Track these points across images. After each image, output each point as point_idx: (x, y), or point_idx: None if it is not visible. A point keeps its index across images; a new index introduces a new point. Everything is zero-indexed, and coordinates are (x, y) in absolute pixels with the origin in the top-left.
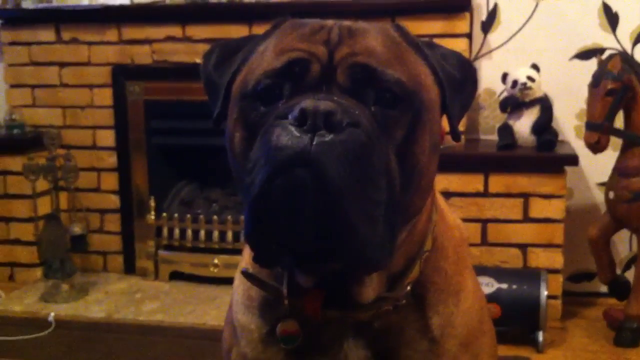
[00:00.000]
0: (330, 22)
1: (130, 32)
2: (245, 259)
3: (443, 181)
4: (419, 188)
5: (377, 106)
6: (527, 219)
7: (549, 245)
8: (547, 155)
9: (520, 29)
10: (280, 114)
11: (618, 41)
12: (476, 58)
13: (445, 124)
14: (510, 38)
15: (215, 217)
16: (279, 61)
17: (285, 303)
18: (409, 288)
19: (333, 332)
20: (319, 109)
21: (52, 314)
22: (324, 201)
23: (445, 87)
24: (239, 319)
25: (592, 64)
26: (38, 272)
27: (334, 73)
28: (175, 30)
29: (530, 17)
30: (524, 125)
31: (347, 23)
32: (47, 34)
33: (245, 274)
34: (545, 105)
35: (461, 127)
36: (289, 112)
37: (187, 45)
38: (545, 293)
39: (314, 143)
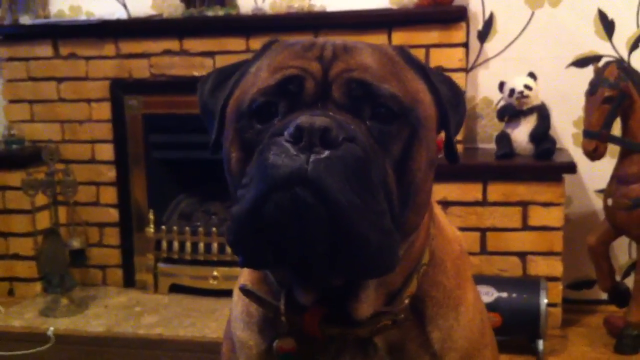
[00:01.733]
0: (321, 39)
1: (127, 47)
2: (244, 275)
3: (442, 191)
4: (415, 204)
5: (373, 121)
6: (526, 227)
7: (548, 253)
8: (546, 164)
9: (516, 38)
10: (276, 131)
11: (614, 48)
12: (473, 67)
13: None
14: (507, 47)
15: (214, 229)
16: (273, 79)
17: (283, 320)
18: (407, 302)
19: (333, 349)
20: (314, 125)
21: (52, 328)
22: (323, 218)
23: (444, 105)
24: (238, 334)
25: (588, 72)
26: (37, 287)
27: (329, 89)
28: (172, 44)
29: (526, 26)
30: (521, 133)
31: (340, 40)
32: (45, 50)
33: (243, 290)
34: (542, 113)
35: (459, 136)
36: (285, 128)
37: (185, 59)
38: (545, 301)
39: (310, 161)
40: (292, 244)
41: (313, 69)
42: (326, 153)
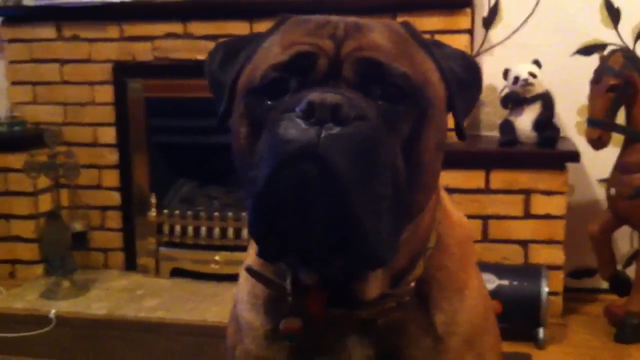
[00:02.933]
0: (335, 17)
1: (130, 29)
2: (250, 256)
3: (444, 177)
4: (424, 186)
5: (383, 101)
6: (528, 215)
7: (550, 242)
8: (549, 152)
9: (521, 25)
10: (287, 107)
11: (620, 37)
12: (477, 54)
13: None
14: (512, 34)
15: (216, 213)
16: (286, 55)
17: (289, 300)
18: (412, 285)
19: (337, 330)
20: (326, 102)
21: (53, 310)
22: (331, 194)
23: (451, 86)
24: (244, 316)
25: (593, 60)
26: (39, 269)
27: (340, 67)
28: (176, 27)
29: (531, 13)
30: (525, 121)
31: (352, 19)
32: (48, 31)
33: (249, 271)
34: (546, 101)
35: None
36: (296, 105)
37: (188, 42)
38: (546, 289)
39: (322, 136)
40: (299, 220)
41: (326, 47)
42: (337, 129)
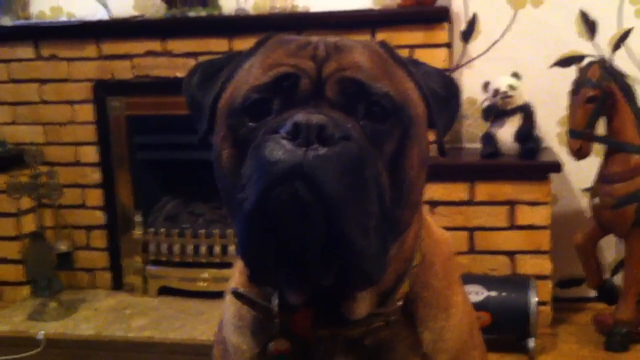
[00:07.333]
0: (315, 38)
1: (109, 48)
2: (236, 278)
3: (428, 191)
4: (408, 203)
5: (366, 120)
6: (513, 226)
7: (536, 252)
8: (531, 163)
9: (500, 38)
10: (271, 128)
11: (597, 48)
12: (457, 67)
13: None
14: (490, 47)
15: (202, 231)
16: (268, 76)
17: (276, 322)
18: (399, 303)
19: (324, 350)
20: (311, 123)
21: (42, 332)
22: (320, 213)
23: (430, 103)
24: (231, 339)
25: (572, 71)
26: (25, 291)
27: (322, 88)
28: (155, 45)
29: (509, 26)
30: (506, 133)
31: (332, 39)
32: (26, 51)
33: (235, 293)
34: (527, 112)
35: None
36: (280, 126)
37: (168, 60)
38: (535, 299)
39: (308, 156)
40: (291, 240)
41: (307, 68)
42: (323, 150)
